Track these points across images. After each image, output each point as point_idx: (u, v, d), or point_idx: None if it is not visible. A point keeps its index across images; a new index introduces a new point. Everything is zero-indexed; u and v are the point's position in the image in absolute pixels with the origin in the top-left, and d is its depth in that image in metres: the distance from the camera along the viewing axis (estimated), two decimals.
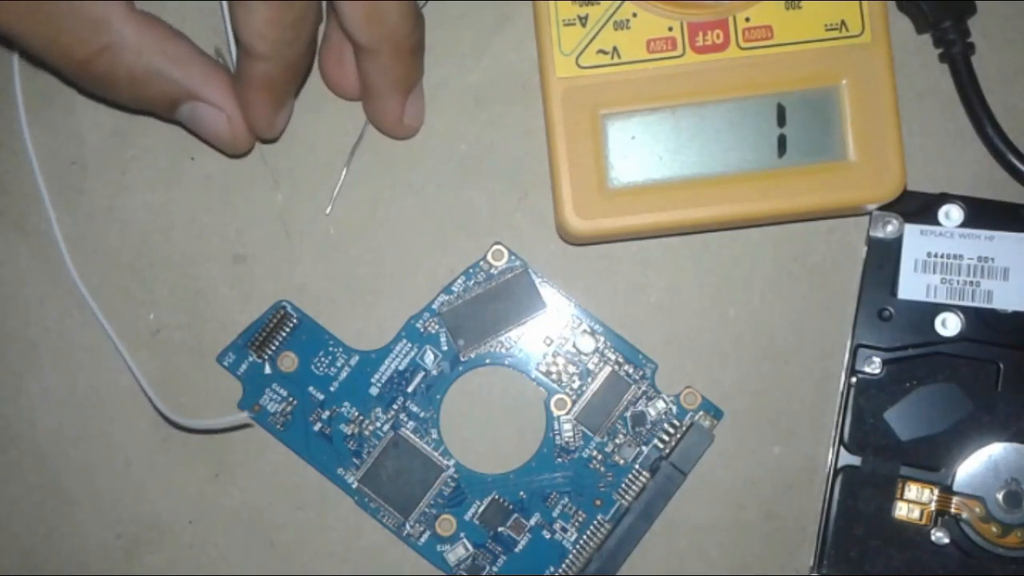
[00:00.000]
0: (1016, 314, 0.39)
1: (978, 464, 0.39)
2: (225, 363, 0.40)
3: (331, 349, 0.40)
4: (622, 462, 0.40)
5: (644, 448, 0.40)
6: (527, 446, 0.40)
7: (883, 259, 0.39)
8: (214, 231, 0.40)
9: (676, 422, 0.40)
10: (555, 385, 0.40)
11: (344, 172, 0.40)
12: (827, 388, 0.40)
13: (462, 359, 0.40)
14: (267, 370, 0.40)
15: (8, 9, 0.33)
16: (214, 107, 0.36)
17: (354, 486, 0.40)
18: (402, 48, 0.36)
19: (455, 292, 0.40)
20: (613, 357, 0.40)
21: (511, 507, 0.40)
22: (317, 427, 0.40)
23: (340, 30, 0.37)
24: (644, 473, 0.40)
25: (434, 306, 0.40)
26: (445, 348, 0.40)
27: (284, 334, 0.40)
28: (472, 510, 0.40)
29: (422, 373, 0.40)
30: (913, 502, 0.39)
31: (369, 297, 0.40)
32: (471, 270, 0.40)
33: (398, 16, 0.35)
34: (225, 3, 0.37)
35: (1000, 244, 0.39)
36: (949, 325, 0.39)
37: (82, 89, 0.39)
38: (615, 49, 0.37)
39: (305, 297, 0.40)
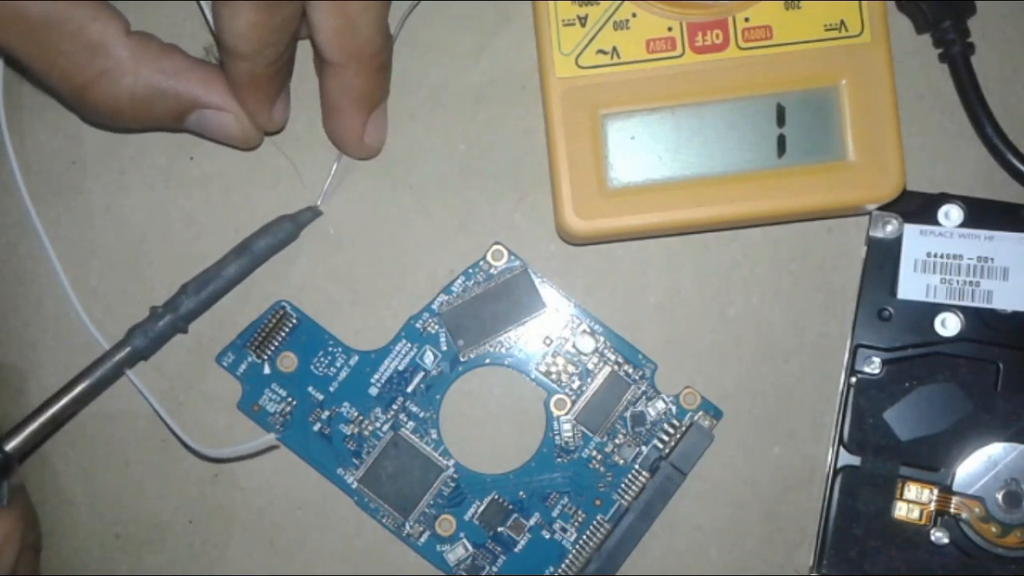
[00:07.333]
0: (1016, 314, 0.39)
1: (978, 464, 0.39)
2: (224, 363, 0.40)
3: (331, 349, 0.40)
4: (622, 462, 0.40)
5: (644, 448, 0.40)
6: (527, 446, 0.40)
7: (883, 259, 0.39)
8: (213, 231, 0.40)
9: (676, 422, 0.40)
10: (555, 385, 0.40)
11: (335, 166, 0.40)
12: (827, 388, 0.40)
13: (462, 359, 0.40)
14: (266, 370, 0.40)
15: (9, 32, 0.33)
16: (219, 110, 0.36)
17: (354, 486, 0.40)
18: (369, 65, 0.36)
19: (455, 292, 0.40)
20: (613, 357, 0.40)
21: (511, 507, 0.40)
22: (317, 427, 0.40)
23: None
24: (644, 473, 0.40)
25: (434, 306, 0.40)
26: (445, 348, 0.40)
27: (283, 334, 0.40)
28: (472, 510, 0.40)
29: (422, 373, 0.40)
30: (913, 502, 0.39)
31: (369, 297, 0.40)
32: (471, 270, 0.40)
33: (368, 33, 0.35)
34: (207, 3, 0.37)
35: (1000, 244, 0.39)
36: (949, 325, 0.39)
37: (93, 122, 0.39)
38: (615, 49, 0.37)
39: (305, 297, 0.40)
